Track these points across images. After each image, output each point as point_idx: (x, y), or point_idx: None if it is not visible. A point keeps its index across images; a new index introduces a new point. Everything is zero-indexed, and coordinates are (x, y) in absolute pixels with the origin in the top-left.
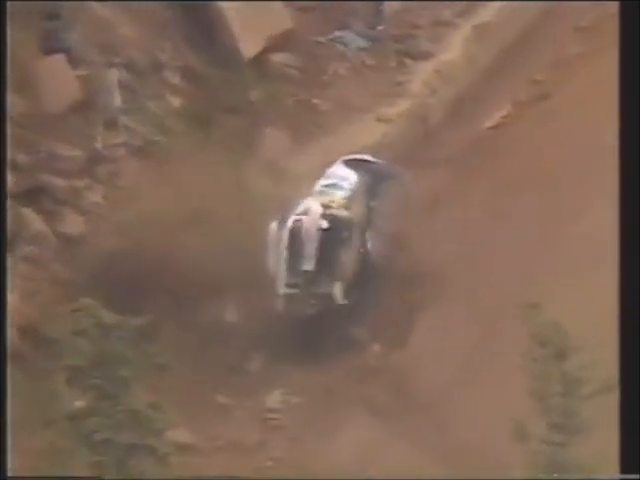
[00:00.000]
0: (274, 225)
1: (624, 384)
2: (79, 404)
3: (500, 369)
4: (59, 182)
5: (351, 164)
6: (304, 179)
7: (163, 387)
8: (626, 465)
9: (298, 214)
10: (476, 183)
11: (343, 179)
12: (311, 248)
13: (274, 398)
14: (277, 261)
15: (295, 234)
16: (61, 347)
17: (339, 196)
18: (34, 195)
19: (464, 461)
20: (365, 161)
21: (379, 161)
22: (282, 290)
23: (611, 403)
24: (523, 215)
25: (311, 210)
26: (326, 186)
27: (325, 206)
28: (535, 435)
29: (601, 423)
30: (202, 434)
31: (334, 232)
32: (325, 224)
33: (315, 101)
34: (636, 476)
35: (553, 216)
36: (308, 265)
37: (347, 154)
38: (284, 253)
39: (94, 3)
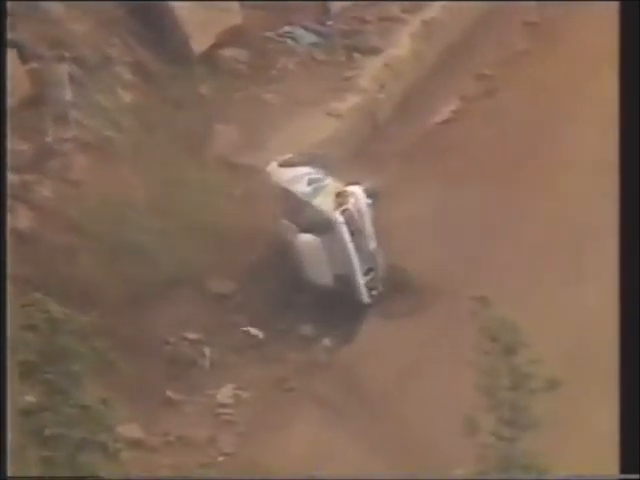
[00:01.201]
0: (307, 236)
1: (624, 384)
2: (30, 399)
3: (450, 364)
4: (9, 177)
5: (287, 165)
6: (254, 172)
7: (114, 383)
8: (626, 465)
9: (338, 208)
10: (425, 177)
11: (308, 173)
12: (369, 226)
13: (225, 393)
14: (331, 264)
15: (351, 222)
16: (11, 342)
17: (333, 181)
18: None
19: (414, 455)
20: (289, 158)
21: (292, 156)
22: (362, 280)
23: (559, 399)
24: (472, 209)
25: (355, 192)
26: (310, 183)
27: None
28: (485, 430)
29: (551, 419)
30: (153, 430)
31: (371, 205)
32: (369, 200)
33: (265, 96)
34: (636, 476)
35: (502, 210)
36: (372, 243)
37: (297, 148)
38: (350, 245)
39: None
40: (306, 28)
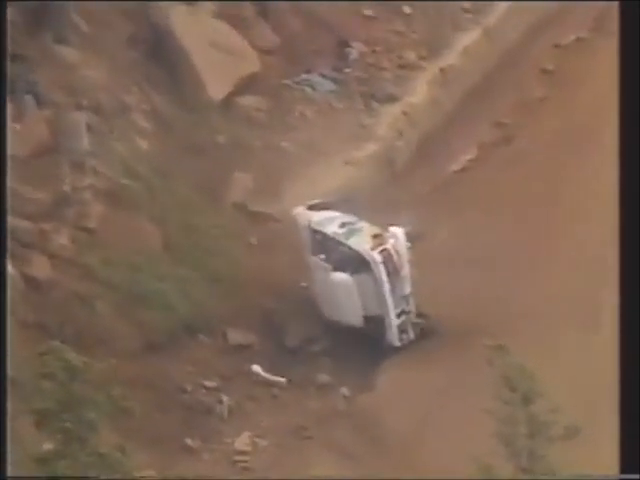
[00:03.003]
0: (342, 275)
1: (623, 386)
2: (47, 447)
3: (467, 412)
4: (26, 225)
5: (316, 209)
6: (272, 220)
7: (131, 430)
8: (626, 465)
9: (376, 247)
10: (443, 225)
11: (340, 216)
12: (406, 270)
13: (243, 440)
14: (363, 304)
15: (389, 263)
16: (28, 390)
17: (367, 225)
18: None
19: None
20: (317, 203)
21: (320, 201)
22: (395, 322)
23: (577, 447)
24: (488, 258)
25: (396, 234)
26: (343, 225)
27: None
28: (503, 478)
29: (569, 467)
30: (170, 476)
31: (410, 249)
32: (409, 244)
33: (282, 144)
34: (636, 476)
35: (519, 258)
36: (408, 287)
37: (315, 196)
38: (386, 286)
39: (60, 47)
40: (324, 76)
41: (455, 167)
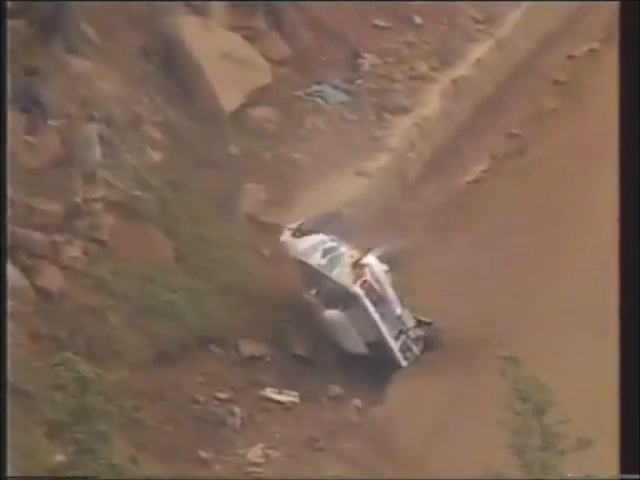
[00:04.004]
0: (333, 312)
1: (624, 387)
2: (59, 458)
3: (478, 423)
4: (38, 236)
5: (300, 233)
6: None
7: (143, 441)
8: (626, 465)
9: (357, 280)
10: (455, 235)
11: (322, 242)
12: (391, 292)
13: (255, 452)
14: (361, 333)
15: (371, 293)
16: (40, 401)
17: (347, 249)
18: (13, 249)
19: None
20: (301, 225)
21: (306, 219)
22: (395, 345)
23: (589, 457)
24: (500, 269)
25: (370, 263)
26: (325, 254)
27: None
28: None
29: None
30: None
31: (389, 271)
32: (385, 266)
33: (294, 155)
34: (636, 476)
35: (531, 269)
36: (398, 308)
37: (326, 208)
38: (375, 316)
39: (70, 58)
40: (335, 87)
41: (468, 178)
